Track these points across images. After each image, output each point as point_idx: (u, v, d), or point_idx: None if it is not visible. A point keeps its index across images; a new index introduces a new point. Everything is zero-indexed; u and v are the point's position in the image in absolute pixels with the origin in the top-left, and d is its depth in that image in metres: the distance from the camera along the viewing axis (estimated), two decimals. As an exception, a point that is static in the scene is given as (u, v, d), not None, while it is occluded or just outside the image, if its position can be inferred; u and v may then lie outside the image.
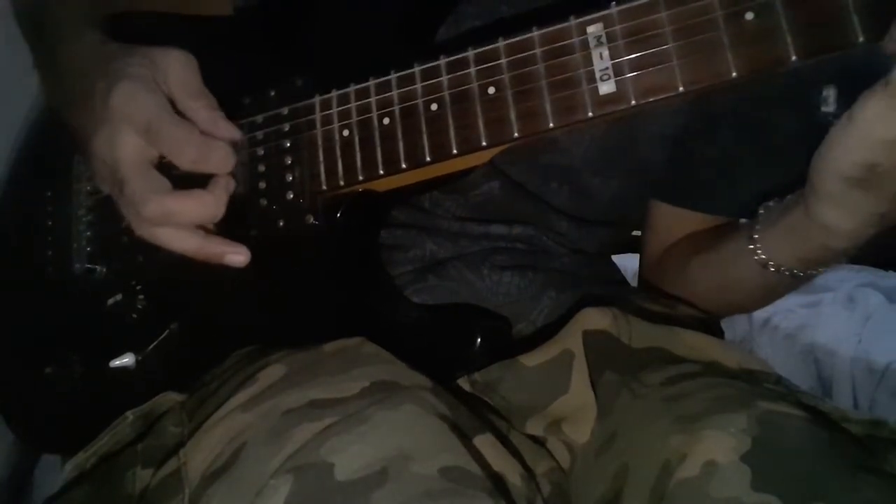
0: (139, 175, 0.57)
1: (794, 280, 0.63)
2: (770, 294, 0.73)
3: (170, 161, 0.58)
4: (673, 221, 0.78)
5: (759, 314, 1.32)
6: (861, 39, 0.43)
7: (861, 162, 0.46)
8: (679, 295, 0.75)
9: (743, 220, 0.69)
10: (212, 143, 0.58)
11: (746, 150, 0.71)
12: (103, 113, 0.57)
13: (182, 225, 0.58)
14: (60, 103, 0.68)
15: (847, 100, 0.46)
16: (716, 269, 0.70)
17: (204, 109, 0.59)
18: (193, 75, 0.59)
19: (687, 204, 0.76)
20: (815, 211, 0.53)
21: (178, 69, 0.58)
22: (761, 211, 0.63)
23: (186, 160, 0.57)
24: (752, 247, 0.62)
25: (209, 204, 0.58)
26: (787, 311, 1.30)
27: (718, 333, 0.76)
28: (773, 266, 0.62)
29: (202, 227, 0.59)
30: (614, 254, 0.86)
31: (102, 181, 0.62)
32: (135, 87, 0.57)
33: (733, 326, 1.31)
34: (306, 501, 0.44)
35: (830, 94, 0.58)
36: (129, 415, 0.62)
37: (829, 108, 0.63)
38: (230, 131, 0.60)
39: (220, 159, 0.58)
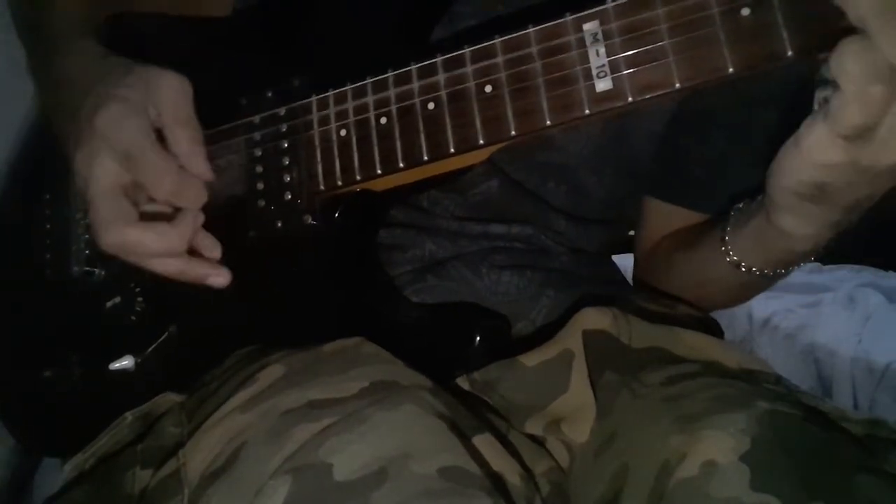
0: (107, 200, 0.57)
1: (765, 279, 0.64)
2: (744, 292, 0.74)
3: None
4: (667, 218, 0.79)
5: (759, 314, 1.32)
6: None
7: (809, 181, 0.48)
8: (665, 290, 0.77)
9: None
10: (187, 179, 0.58)
11: (743, 149, 0.71)
12: (87, 131, 0.57)
13: (142, 256, 0.58)
14: (51, 111, 0.68)
15: None
16: (694, 266, 0.71)
17: (187, 141, 0.58)
18: (185, 101, 0.58)
19: (684, 202, 0.76)
20: (774, 218, 0.55)
21: (170, 93, 0.57)
22: (732, 213, 0.64)
23: (161, 192, 0.57)
24: (723, 248, 0.64)
25: (171, 238, 0.57)
26: (787, 311, 1.31)
27: (718, 333, 0.76)
28: (744, 267, 0.63)
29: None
30: (614, 254, 0.86)
31: (81, 196, 0.62)
32: (122, 110, 0.56)
33: (733, 326, 1.31)
34: (305, 502, 0.44)
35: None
36: (129, 415, 0.62)
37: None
38: (205, 171, 0.59)
39: (193, 196, 0.58)
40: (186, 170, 0.58)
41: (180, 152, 0.58)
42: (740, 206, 0.63)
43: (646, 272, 0.82)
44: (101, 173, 0.57)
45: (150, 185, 0.57)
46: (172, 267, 0.59)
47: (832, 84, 0.43)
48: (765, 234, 0.58)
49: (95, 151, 0.57)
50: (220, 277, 0.59)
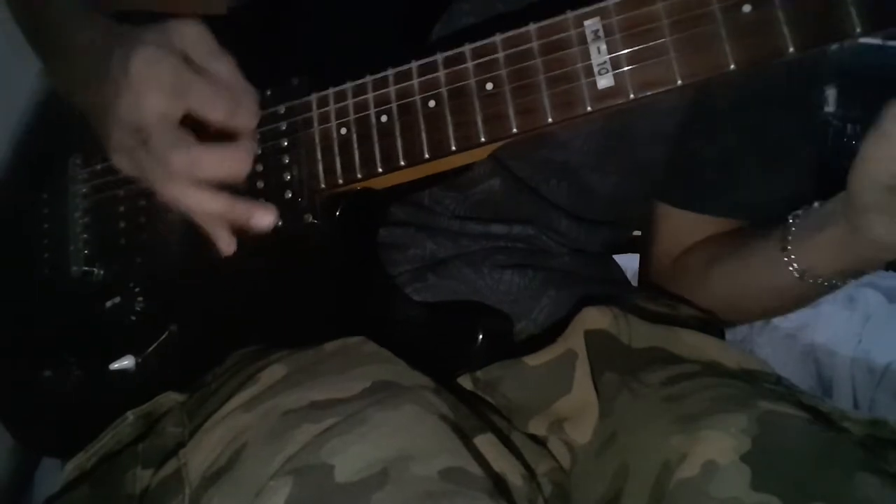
0: (165, 128, 0.56)
1: (830, 288, 0.63)
2: (802, 301, 0.73)
3: (193, 121, 0.57)
4: (678, 224, 0.78)
5: (760, 314, 1.32)
6: (858, 31, 0.43)
7: None
8: (698, 303, 0.75)
9: (755, 226, 0.68)
10: (240, 97, 0.57)
11: (749, 150, 0.71)
12: (123, 80, 0.56)
13: (209, 179, 0.56)
14: (72, 87, 0.67)
15: (847, 100, 0.46)
16: (742, 278, 0.70)
17: (227, 70, 0.58)
18: (209, 38, 0.58)
19: (691, 206, 0.76)
20: (860, 225, 0.53)
21: (193, 34, 0.57)
22: (790, 220, 0.62)
23: (218, 112, 0.56)
24: (785, 259, 0.62)
25: (237, 157, 0.57)
26: (786, 310, 1.30)
27: (718, 333, 0.76)
28: (809, 277, 0.62)
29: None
30: (616, 253, 0.86)
31: (122, 152, 0.60)
32: (153, 51, 0.56)
33: (733, 326, 1.30)
34: (306, 503, 0.43)
35: (831, 94, 0.57)
36: (130, 415, 0.62)
37: (830, 108, 0.62)
38: (251, 91, 0.59)
39: (249, 113, 0.58)
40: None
41: (222, 78, 0.57)
42: (799, 213, 0.62)
43: (670, 284, 0.79)
44: (152, 107, 0.56)
45: (206, 108, 0.56)
46: (220, 203, 0.57)
47: None
48: (846, 245, 0.57)
49: (139, 93, 0.56)
50: (266, 216, 0.58)
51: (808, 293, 0.66)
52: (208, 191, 0.57)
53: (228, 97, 0.57)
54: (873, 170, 0.48)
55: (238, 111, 0.57)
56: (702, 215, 0.76)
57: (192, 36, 0.57)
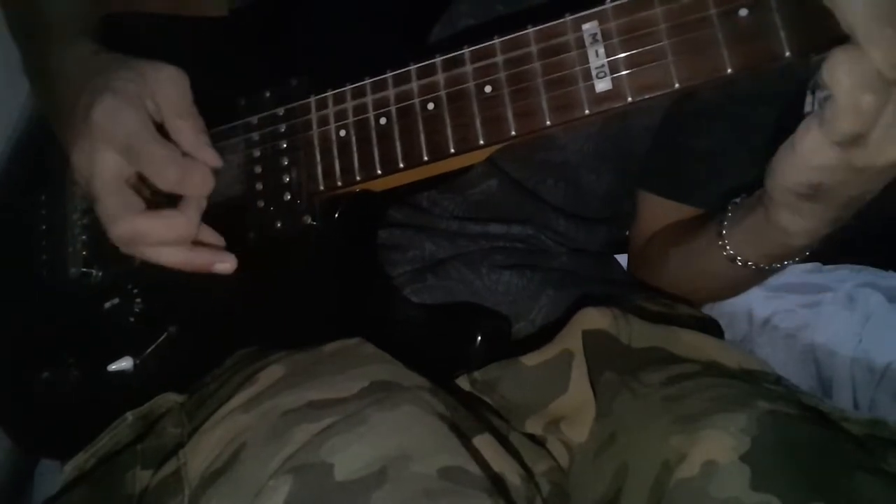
0: (112, 193, 0.57)
1: (759, 274, 0.65)
2: (738, 285, 0.75)
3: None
4: (659, 212, 0.79)
5: (759, 314, 1.32)
6: None
7: (805, 182, 0.49)
8: (658, 284, 0.77)
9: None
10: (193, 166, 0.57)
11: (738, 145, 0.71)
12: (84, 126, 0.57)
13: (155, 245, 0.57)
14: (48, 108, 0.68)
15: None
16: (689, 259, 0.72)
17: (190, 130, 0.58)
18: (183, 93, 0.58)
19: (676, 197, 0.77)
20: (772, 214, 0.55)
21: (167, 86, 0.57)
22: (729, 207, 0.64)
23: (167, 182, 0.57)
24: (720, 242, 0.64)
25: (180, 225, 0.57)
26: (787, 311, 1.31)
27: (718, 333, 0.76)
28: (739, 261, 0.63)
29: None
30: (616, 253, 0.86)
31: (83, 192, 0.61)
32: (118, 103, 0.56)
33: (733, 326, 1.31)
34: (306, 502, 0.44)
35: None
36: (129, 415, 0.62)
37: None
38: (212, 158, 0.59)
39: (199, 183, 0.58)
40: (192, 158, 0.58)
41: (185, 143, 0.58)
42: (737, 200, 0.63)
43: (639, 267, 0.83)
44: (103, 167, 0.56)
45: (154, 176, 0.57)
46: (179, 256, 0.58)
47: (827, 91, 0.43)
48: (762, 230, 0.59)
49: (95, 147, 0.56)
50: (225, 263, 0.59)
51: (742, 277, 0.67)
52: (164, 248, 0.58)
53: (179, 166, 0.57)
54: (782, 177, 0.50)
55: (187, 182, 0.57)
56: (678, 203, 0.77)
57: (167, 88, 0.57)
